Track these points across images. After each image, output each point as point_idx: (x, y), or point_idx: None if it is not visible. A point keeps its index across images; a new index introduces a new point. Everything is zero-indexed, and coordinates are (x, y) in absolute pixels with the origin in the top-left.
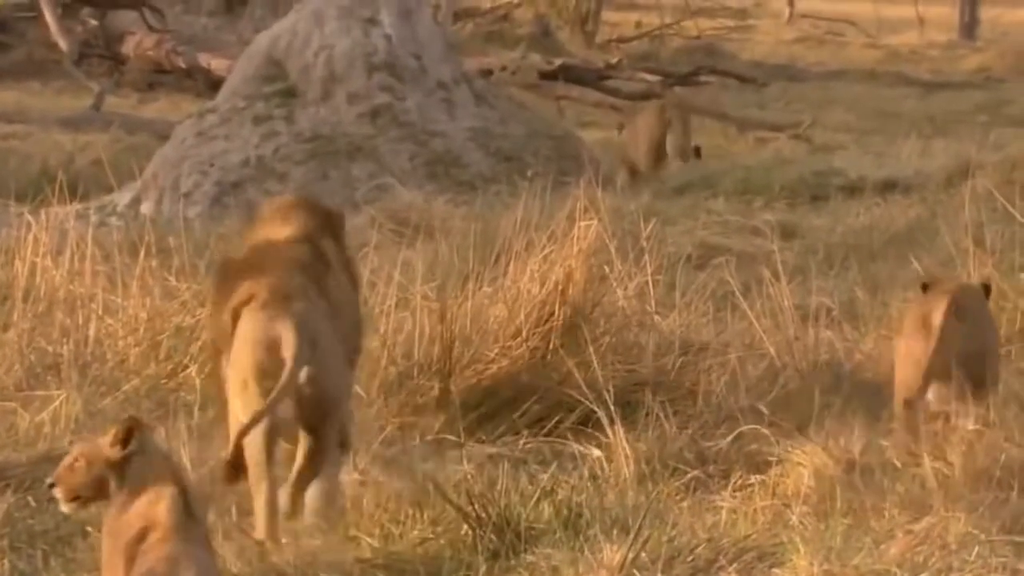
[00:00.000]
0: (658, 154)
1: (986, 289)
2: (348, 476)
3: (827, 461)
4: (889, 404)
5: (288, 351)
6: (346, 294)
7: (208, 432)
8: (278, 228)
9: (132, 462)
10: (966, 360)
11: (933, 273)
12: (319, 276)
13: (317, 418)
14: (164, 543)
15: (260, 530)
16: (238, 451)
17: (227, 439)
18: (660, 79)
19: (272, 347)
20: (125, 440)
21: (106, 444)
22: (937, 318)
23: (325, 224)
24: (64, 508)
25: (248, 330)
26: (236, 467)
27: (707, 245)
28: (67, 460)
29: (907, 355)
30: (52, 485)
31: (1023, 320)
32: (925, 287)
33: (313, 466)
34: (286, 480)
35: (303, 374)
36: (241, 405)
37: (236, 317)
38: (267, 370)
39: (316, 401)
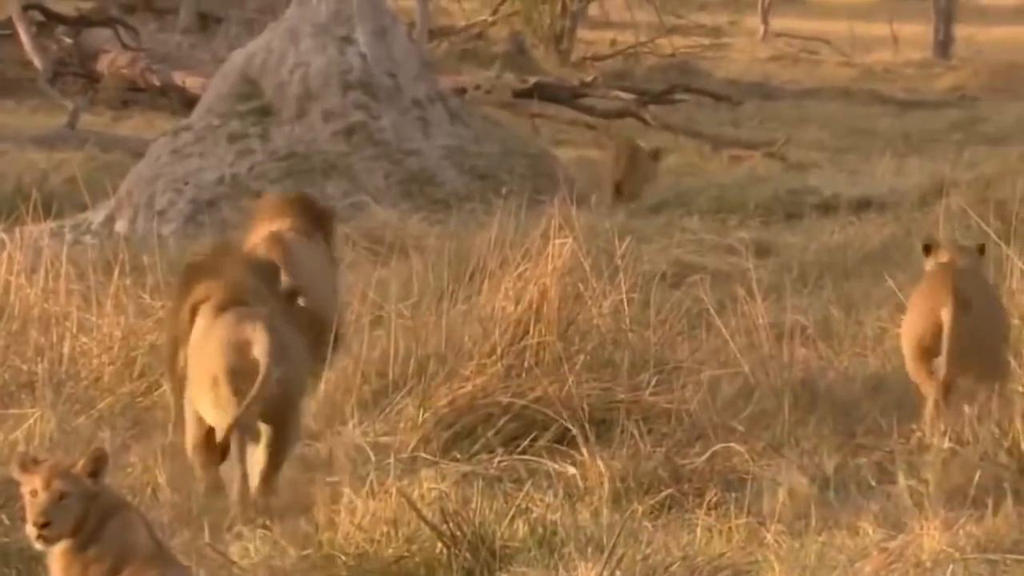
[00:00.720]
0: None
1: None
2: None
3: (801, 479)
4: (864, 421)
5: (262, 354)
6: (322, 284)
7: (183, 450)
8: (272, 224)
9: (100, 494)
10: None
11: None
12: (271, 276)
13: (281, 414)
14: (149, 568)
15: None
16: (224, 445)
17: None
18: (635, 97)
19: (243, 348)
20: (95, 472)
21: (84, 477)
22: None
23: (316, 221)
24: (40, 546)
25: (217, 330)
26: (214, 451)
27: (682, 263)
28: (50, 496)
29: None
30: (45, 525)
31: None
32: (928, 249)
33: (279, 456)
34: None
35: (275, 376)
36: (211, 402)
37: (194, 313)
38: (238, 370)
39: (283, 399)
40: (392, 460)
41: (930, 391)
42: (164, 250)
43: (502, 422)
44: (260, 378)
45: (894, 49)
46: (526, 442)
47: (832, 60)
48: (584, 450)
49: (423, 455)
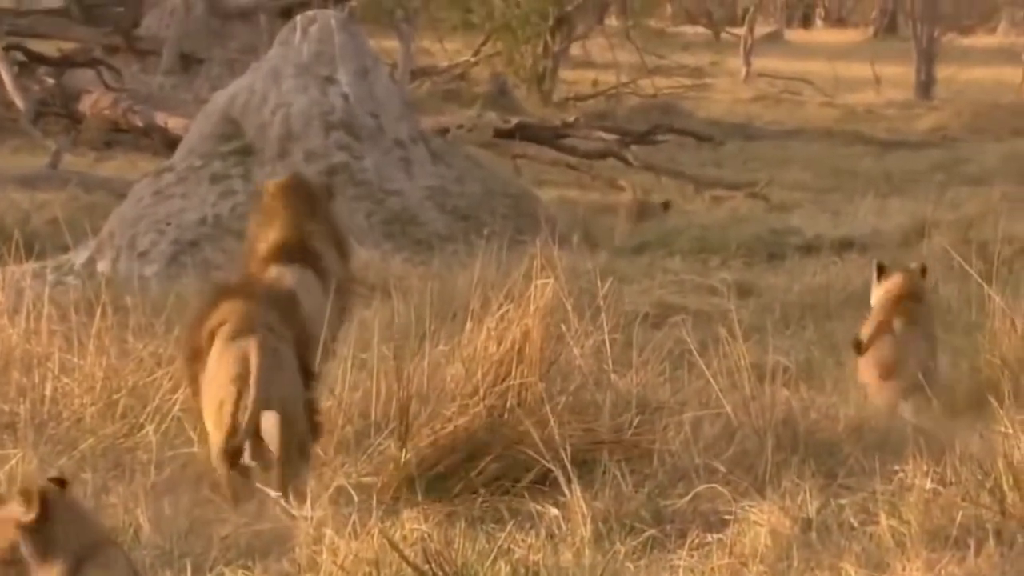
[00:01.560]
0: None
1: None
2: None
3: (784, 520)
4: (846, 462)
5: (252, 377)
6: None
7: (165, 491)
8: (273, 216)
9: (52, 528)
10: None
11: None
12: (289, 307)
13: (282, 437)
14: None
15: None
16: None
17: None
18: (617, 137)
19: (245, 375)
20: (40, 505)
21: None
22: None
23: (312, 204)
24: None
25: (224, 358)
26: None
27: (664, 304)
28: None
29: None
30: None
31: (982, 379)
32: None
33: (286, 472)
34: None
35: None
36: (215, 425)
37: (211, 337)
38: (241, 395)
39: (281, 421)
40: (374, 500)
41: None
42: (146, 291)
43: (484, 463)
44: (249, 404)
45: (876, 90)
46: (508, 483)
47: (814, 101)
48: (566, 491)
49: (405, 496)
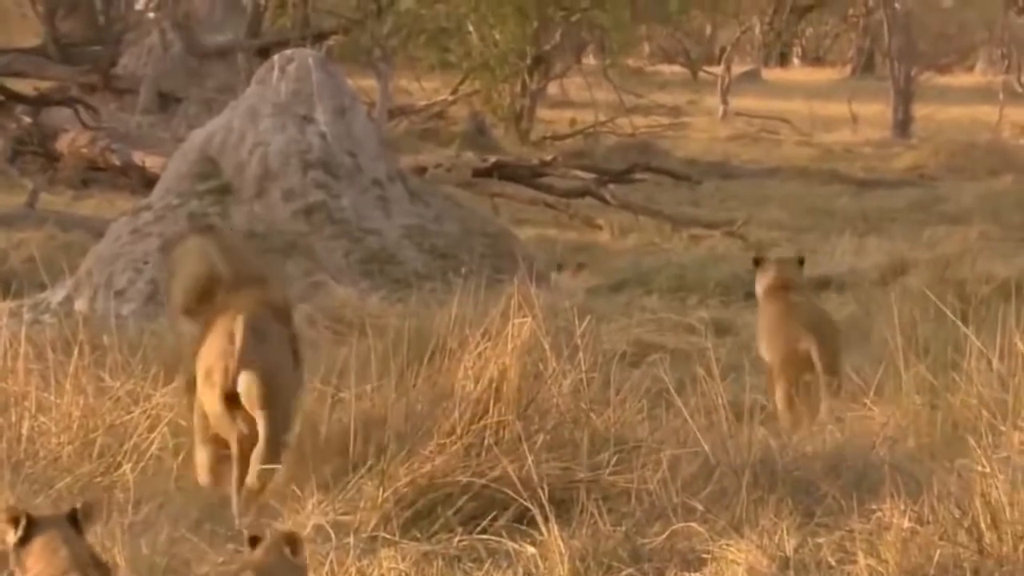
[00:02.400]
0: None
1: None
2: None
3: (761, 558)
4: (823, 501)
5: (238, 337)
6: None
7: (143, 530)
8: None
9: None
10: None
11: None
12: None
13: (267, 401)
14: None
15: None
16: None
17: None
18: (595, 176)
19: (231, 339)
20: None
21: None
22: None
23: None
24: None
25: (214, 328)
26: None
27: (642, 342)
28: None
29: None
30: None
31: (956, 420)
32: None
33: (270, 445)
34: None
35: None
36: (205, 389)
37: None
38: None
39: (266, 385)
40: (352, 539)
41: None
42: (123, 329)
43: (462, 501)
44: (237, 354)
45: (853, 128)
46: (486, 521)
47: (791, 140)
48: (544, 529)
49: (383, 534)
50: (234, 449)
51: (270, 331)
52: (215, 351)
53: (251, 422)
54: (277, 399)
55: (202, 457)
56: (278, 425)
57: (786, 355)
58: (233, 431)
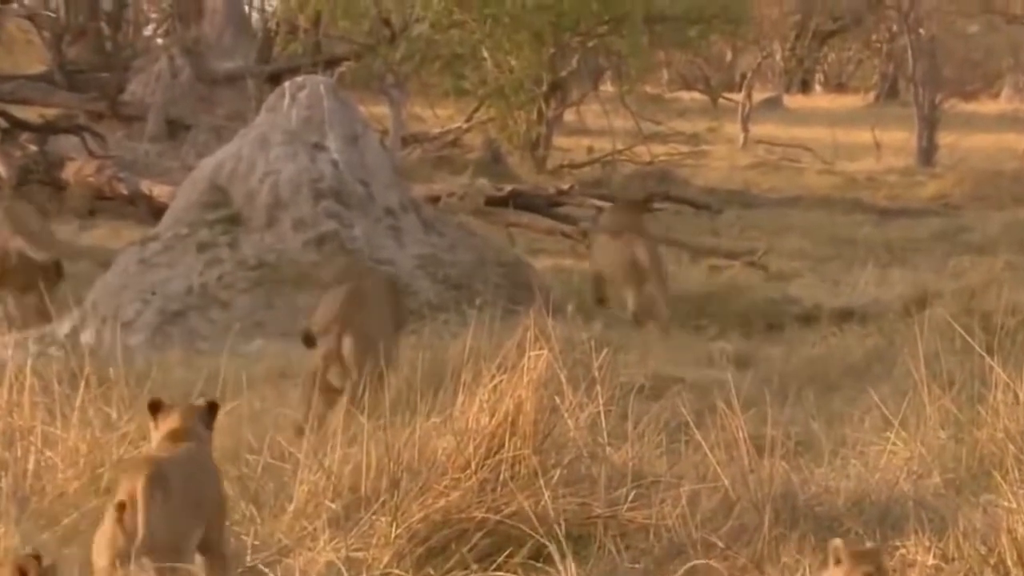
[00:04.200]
0: None
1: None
2: None
3: None
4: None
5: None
6: None
7: None
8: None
9: None
10: None
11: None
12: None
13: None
14: None
15: None
16: None
17: None
18: (612, 206)
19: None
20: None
21: None
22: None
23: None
24: None
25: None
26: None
27: (660, 375)
28: None
29: None
30: None
31: (982, 454)
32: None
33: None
34: None
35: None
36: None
37: None
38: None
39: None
40: None
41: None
42: (131, 362)
43: (477, 538)
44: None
45: (876, 156)
46: (501, 558)
47: (813, 168)
48: (560, 566)
49: (396, 571)
50: None
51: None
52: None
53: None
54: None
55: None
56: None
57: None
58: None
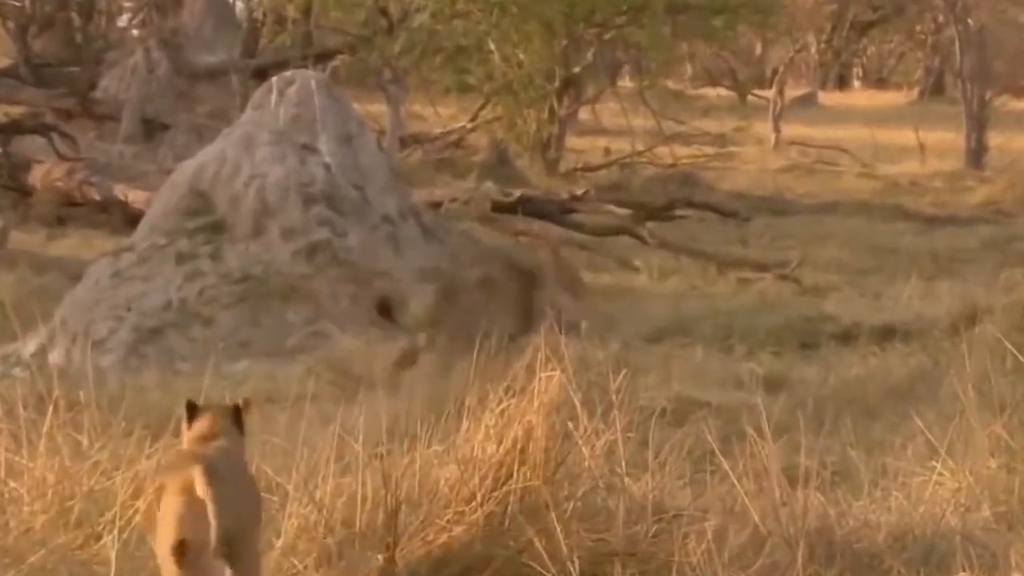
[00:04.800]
0: None
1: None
2: None
3: None
4: None
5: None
6: None
7: None
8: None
9: None
10: None
11: None
12: None
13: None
14: None
15: None
16: None
17: None
18: (631, 212)
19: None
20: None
21: None
22: None
23: None
24: None
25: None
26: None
27: (684, 399)
28: None
29: None
30: None
31: None
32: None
33: None
34: None
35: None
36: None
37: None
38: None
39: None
40: None
41: None
42: (103, 384)
43: None
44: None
45: (921, 159)
46: None
47: (852, 171)
48: None
49: None
50: None
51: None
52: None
53: None
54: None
55: None
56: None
57: None
58: None
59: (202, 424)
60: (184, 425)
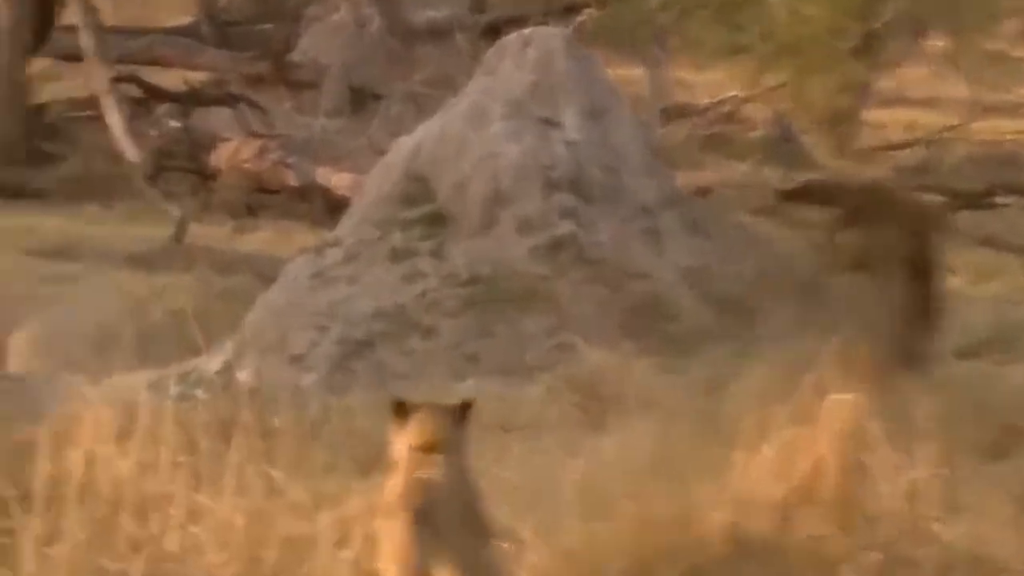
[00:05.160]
0: None
1: None
2: None
3: None
4: None
5: None
6: None
7: None
8: None
9: None
10: None
11: None
12: None
13: None
14: None
15: None
16: None
17: None
18: (941, 199)
19: None
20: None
21: None
22: None
23: None
24: None
25: None
26: None
27: (1010, 427)
28: None
29: None
30: None
31: None
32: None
33: None
34: None
35: None
36: None
37: None
38: None
39: None
40: None
41: None
42: (303, 407)
43: None
44: None
45: None
46: None
47: None
48: None
49: None
50: None
51: None
52: None
53: None
54: None
55: None
56: None
57: None
58: None
59: (419, 429)
60: (394, 429)
